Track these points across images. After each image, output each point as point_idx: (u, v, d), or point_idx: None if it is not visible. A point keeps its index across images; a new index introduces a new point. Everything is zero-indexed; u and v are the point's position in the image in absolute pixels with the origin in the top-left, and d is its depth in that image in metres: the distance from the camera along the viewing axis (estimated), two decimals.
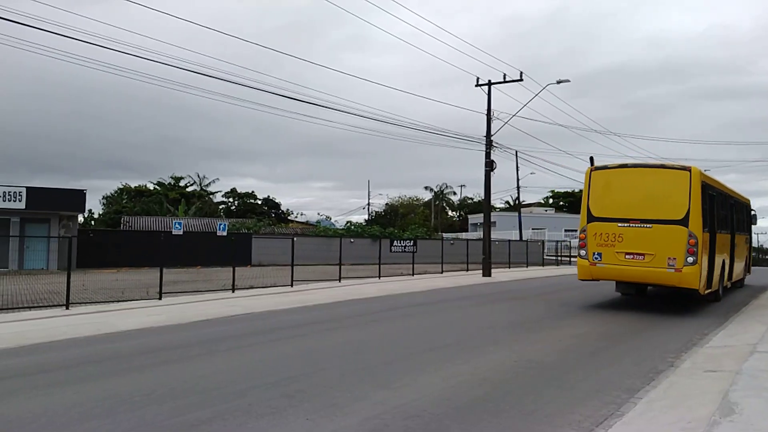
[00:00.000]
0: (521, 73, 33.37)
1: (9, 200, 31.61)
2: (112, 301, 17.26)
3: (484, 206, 36.79)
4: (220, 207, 71.52)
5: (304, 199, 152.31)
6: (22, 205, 31.92)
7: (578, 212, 18.75)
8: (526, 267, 43.29)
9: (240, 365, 8.86)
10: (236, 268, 22.22)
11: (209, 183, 71.50)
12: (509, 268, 40.30)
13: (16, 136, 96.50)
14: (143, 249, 32.98)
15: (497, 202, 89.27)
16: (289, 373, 8.13)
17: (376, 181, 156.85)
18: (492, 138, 34.35)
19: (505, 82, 33.79)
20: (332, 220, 69.75)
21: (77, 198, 36.44)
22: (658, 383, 7.86)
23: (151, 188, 68.01)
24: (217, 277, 24.42)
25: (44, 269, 32.27)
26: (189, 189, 69.56)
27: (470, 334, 12.13)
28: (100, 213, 64.87)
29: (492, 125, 34.31)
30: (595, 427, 5.94)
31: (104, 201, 68.32)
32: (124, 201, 65.43)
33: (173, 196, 63.48)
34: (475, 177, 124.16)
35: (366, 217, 78.29)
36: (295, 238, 28.19)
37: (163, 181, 69.42)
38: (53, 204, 34.06)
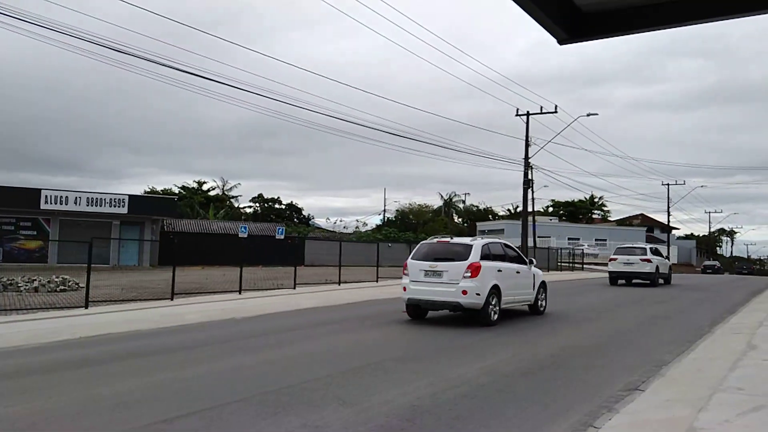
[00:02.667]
0: (556, 106, 34.96)
1: (114, 206, 33.37)
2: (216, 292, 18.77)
3: (523, 219, 38.32)
4: (247, 210, 69.47)
5: (304, 200, 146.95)
6: (124, 210, 33.66)
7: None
8: (548, 271, 43.84)
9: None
10: (287, 267, 23.57)
11: (231, 187, 69.17)
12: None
13: None
14: (216, 250, 34.48)
15: (499, 210, 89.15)
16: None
17: (386, 182, 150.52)
18: (529, 160, 36.21)
19: (542, 113, 35.66)
20: (343, 225, 68.01)
21: (169, 204, 38.14)
22: (704, 339, 11.37)
23: (176, 192, 64.77)
24: (279, 276, 25.66)
25: (136, 266, 33.96)
26: (211, 193, 67.33)
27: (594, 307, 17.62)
28: None
29: (529, 149, 36.23)
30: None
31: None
32: None
33: (199, 200, 61.30)
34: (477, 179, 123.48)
35: (377, 222, 76.18)
36: (341, 243, 29.41)
37: (188, 185, 67.37)
38: (149, 209, 35.78)
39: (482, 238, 14.48)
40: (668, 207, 67.65)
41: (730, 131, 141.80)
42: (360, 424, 5.69)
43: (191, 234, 40.24)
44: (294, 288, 21.68)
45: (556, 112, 35.27)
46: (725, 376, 7.54)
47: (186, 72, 20.12)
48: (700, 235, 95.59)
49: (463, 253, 13.36)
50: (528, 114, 36.16)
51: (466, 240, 14.27)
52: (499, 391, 7.10)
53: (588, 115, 36.02)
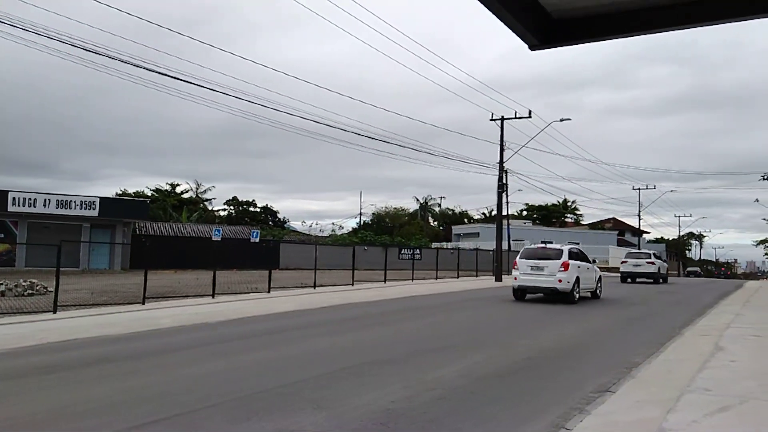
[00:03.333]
0: (530, 111, 35.30)
1: (84, 209, 32.79)
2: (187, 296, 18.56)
3: (497, 222, 38.37)
4: (221, 213, 68.75)
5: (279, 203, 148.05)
6: (95, 213, 33.09)
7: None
8: None
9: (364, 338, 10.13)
10: (262, 271, 23.63)
11: (205, 190, 68.57)
12: (509, 275, 40.08)
13: None
14: (189, 253, 34.13)
15: (474, 213, 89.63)
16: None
17: (362, 186, 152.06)
18: (504, 164, 36.43)
19: (516, 118, 35.93)
20: (319, 228, 67.49)
21: (141, 207, 37.66)
22: (674, 341, 11.44)
23: (149, 194, 63.55)
24: (253, 279, 25.50)
25: (107, 269, 33.46)
26: (185, 195, 66.66)
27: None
28: None
29: (504, 154, 36.40)
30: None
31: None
32: None
33: (172, 202, 60.79)
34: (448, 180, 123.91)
35: (353, 225, 76.31)
36: (317, 246, 29.28)
37: (161, 188, 66.54)
38: (120, 212, 35.23)
39: (567, 245, 21.21)
40: (639, 211, 68.63)
41: (700, 137, 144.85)
42: (334, 428, 5.68)
43: (164, 237, 39.85)
44: (269, 292, 21.55)
45: (530, 117, 35.58)
46: (693, 378, 7.67)
47: (160, 73, 19.97)
48: (670, 239, 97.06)
49: (557, 254, 19.12)
50: (503, 119, 36.37)
51: (558, 246, 20.27)
52: (474, 393, 7.14)
53: (561, 120, 36.37)
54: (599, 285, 21.62)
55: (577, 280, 19.09)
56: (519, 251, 50.67)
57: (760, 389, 6.98)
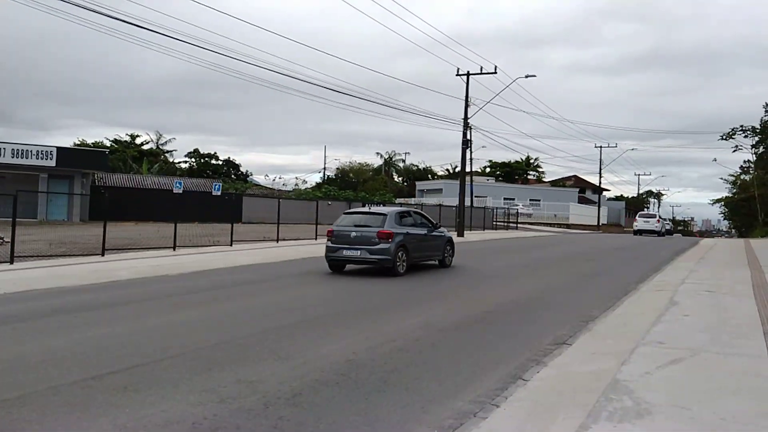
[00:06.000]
0: (495, 67, 35.08)
1: (41, 158, 31.84)
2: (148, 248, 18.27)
3: (461, 178, 38.39)
4: (182, 166, 67.71)
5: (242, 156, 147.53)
6: (52, 163, 32.18)
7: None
8: (483, 230, 44.42)
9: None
10: (224, 224, 24.02)
11: (165, 142, 67.67)
12: (471, 230, 40.34)
13: None
14: (150, 205, 33.51)
15: (438, 169, 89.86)
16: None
17: (326, 140, 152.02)
18: (469, 120, 36.25)
19: (481, 73, 35.61)
20: (282, 182, 66.81)
21: (100, 157, 36.68)
22: (630, 296, 11.75)
23: (108, 145, 61.99)
24: (215, 232, 25.21)
25: (66, 220, 32.73)
26: (145, 147, 65.41)
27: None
28: None
29: (468, 110, 36.20)
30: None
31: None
32: None
33: (132, 154, 59.53)
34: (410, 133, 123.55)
35: (317, 179, 75.97)
36: (280, 200, 29.03)
37: (120, 138, 65.23)
38: (79, 162, 34.30)
39: (658, 213, 64.20)
40: (600, 169, 69.51)
41: (661, 96, 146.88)
42: (295, 378, 5.69)
43: (124, 189, 39.12)
44: (231, 245, 21.37)
45: (495, 72, 35.40)
46: (648, 331, 7.88)
47: (118, 19, 19.18)
48: (630, 197, 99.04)
49: (654, 216, 49.79)
50: (468, 74, 36.12)
51: (654, 212, 65.13)
52: (433, 345, 7.22)
53: (526, 76, 36.31)
54: (666, 231, 46.06)
55: (663, 227, 41.42)
56: (483, 208, 52.42)
57: (711, 342, 7.21)
